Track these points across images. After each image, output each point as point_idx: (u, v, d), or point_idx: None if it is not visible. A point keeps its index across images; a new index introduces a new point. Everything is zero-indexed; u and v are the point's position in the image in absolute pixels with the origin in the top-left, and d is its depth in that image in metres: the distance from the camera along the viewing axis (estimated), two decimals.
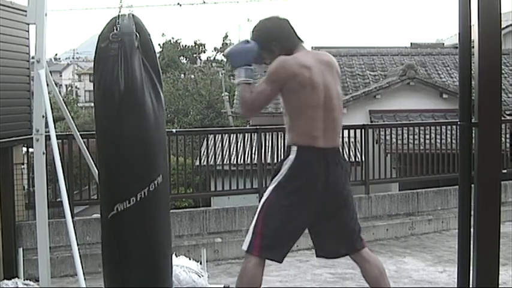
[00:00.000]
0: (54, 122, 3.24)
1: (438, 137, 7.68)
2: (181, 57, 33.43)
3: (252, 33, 2.91)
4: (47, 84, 3.13)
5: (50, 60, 44.97)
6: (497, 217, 2.57)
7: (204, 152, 6.68)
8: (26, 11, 3.19)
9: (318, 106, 2.71)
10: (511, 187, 7.39)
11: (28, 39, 5.32)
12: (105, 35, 2.83)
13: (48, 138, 3.17)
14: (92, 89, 3.00)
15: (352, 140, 6.99)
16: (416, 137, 7.40)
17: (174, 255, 3.47)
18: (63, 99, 3.80)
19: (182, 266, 3.75)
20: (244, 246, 2.75)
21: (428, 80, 12.00)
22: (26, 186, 6.07)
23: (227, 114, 18.38)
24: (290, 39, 2.85)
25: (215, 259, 5.66)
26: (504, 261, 3.56)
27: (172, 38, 33.55)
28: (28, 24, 4.22)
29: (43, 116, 3.14)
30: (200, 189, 6.96)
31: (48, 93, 3.18)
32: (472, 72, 2.65)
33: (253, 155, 6.45)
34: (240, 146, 6.56)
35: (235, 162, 6.59)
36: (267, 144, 6.45)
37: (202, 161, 6.86)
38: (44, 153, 3.17)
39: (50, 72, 3.30)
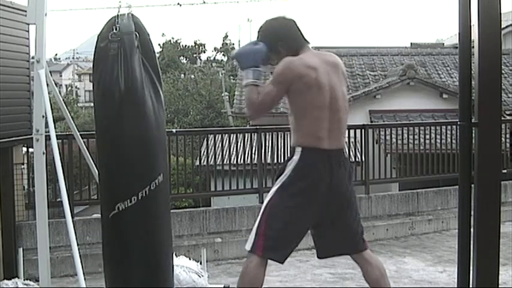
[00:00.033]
0: (54, 122, 3.25)
1: (438, 137, 7.68)
2: (181, 57, 33.42)
3: (258, 33, 2.91)
4: (47, 84, 3.14)
5: (50, 60, 44.97)
6: (497, 217, 2.57)
7: (204, 152, 6.68)
8: (26, 11, 3.19)
9: (323, 107, 2.71)
10: (511, 187, 7.39)
11: (28, 39, 5.31)
12: (105, 34, 2.84)
13: (48, 138, 3.17)
14: (92, 89, 3.00)
15: (352, 140, 6.99)
16: (416, 137, 7.40)
17: (174, 255, 3.47)
18: (63, 99, 3.80)
19: (182, 266, 3.75)
20: (248, 246, 2.75)
21: (428, 80, 12.00)
22: (26, 186, 6.07)
23: (227, 114, 18.37)
24: (296, 40, 2.85)
25: (215, 259, 5.65)
26: (504, 261, 3.56)
27: (172, 38, 33.53)
28: (28, 24, 4.22)
29: (43, 116, 3.14)
30: (200, 189, 6.96)
31: (48, 93, 3.18)
32: (472, 72, 2.65)
33: (253, 155, 6.45)
34: (240, 146, 6.56)
35: (235, 162, 6.59)
36: (267, 144, 6.45)
37: (202, 161, 6.86)
38: (44, 153, 3.18)
39: (50, 72, 3.30)
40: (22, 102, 5.36)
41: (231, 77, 25.73)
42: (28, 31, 5.25)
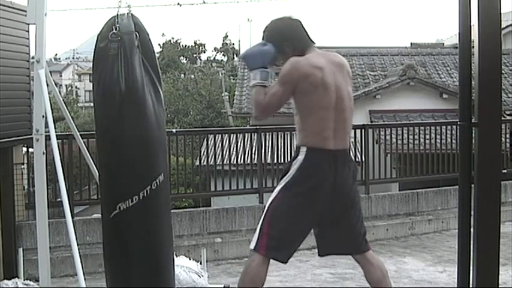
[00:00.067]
0: (54, 122, 3.25)
1: (438, 137, 7.68)
2: (181, 57, 33.43)
3: (263, 33, 2.90)
4: (47, 84, 3.13)
5: (50, 60, 44.98)
6: (497, 217, 2.57)
7: (204, 152, 6.68)
8: (26, 11, 3.18)
9: (329, 107, 2.71)
10: (511, 187, 7.39)
11: (28, 39, 5.31)
12: (104, 34, 2.83)
13: (48, 138, 3.16)
14: (92, 89, 3.00)
15: (352, 140, 6.98)
16: (416, 137, 7.40)
17: (174, 255, 3.47)
18: (63, 99, 3.80)
19: (182, 266, 3.75)
20: (252, 245, 2.75)
21: (428, 80, 12.01)
22: (26, 186, 6.07)
23: (227, 114, 18.37)
24: (302, 40, 2.85)
25: (215, 259, 5.65)
26: (504, 261, 3.56)
27: (172, 38, 33.55)
28: (28, 24, 4.22)
29: (43, 116, 3.14)
30: (200, 189, 6.95)
31: (48, 93, 3.18)
32: (472, 72, 2.65)
33: (253, 155, 6.45)
34: (240, 146, 6.56)
35: (235, 162, 6.59)
36: (267, 144, 6.45)
37: (202, 161, 6.86)
38: (44, 153, 3.17)
39: (50, 72, 3.30)
40: (22, 102, 5.36)
41: (231, 77, 25.72)
42: (28, 31, 5.25)
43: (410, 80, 11.37)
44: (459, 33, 2.70)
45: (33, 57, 3.43)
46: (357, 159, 7.08)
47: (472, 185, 2.63)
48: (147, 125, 2.85)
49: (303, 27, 2.88)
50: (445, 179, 7.28)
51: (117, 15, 2.86)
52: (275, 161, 6.49)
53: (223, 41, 33.69)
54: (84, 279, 2.95)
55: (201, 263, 4.05)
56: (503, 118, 8.10)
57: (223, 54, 33.75)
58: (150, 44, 2.95)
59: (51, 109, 3.15)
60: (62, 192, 3.05)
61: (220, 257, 5.75)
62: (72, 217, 4.11)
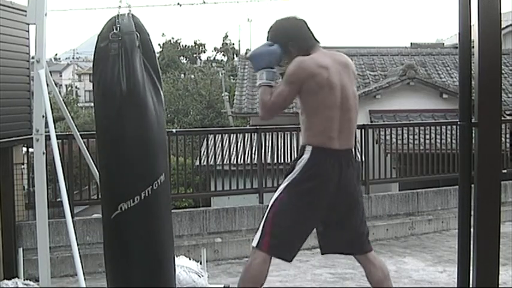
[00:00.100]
0: (54, 122, 3.24)
1: (438, 137, 7.68)
2: (181, 57, 33.43)
3: (268, 34, 2.90)
4: (47, 84, 3.13)
5: (50, 60, 44.97)
6: (497, 217, 2.57)
7: (204, 152, 6.68)
8: (26, 11, 3.18)
9: (334, 106, 2.71)
10: (511, 187, 7.39)
11: (28, 39, 5.31)
12: (105, 34, 2.83)
13: (48, 138, 3.16)
14: (91, 89, 2.99)
15: None
16: (416, 137, 7.40)
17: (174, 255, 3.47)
18: (63, 99, 3.80)
19: (182, 266, 3.75)
20: (254, 243, 2.75)
21: (428, 80, 12.00)
22: (26, 186, 6.07)
23: (227, 114, 18.37)
24: (307, 40, 2.85)
25: (215, 259, 5.65)
26: (504, 261, 3.56)
27: (172, 38, 33.55)
28: (28, 24, 4.22)
29: (43, 116, 3.14)
30: (200, 189, 6.95)
31: (48, 93, 3.18)
32: (472, 72, 2.65)
33: (253, 155, 6.45)
34: (240, 146, 6.56)
35: (235, 162, 6.59)
36: (267, 144, 6.45)
37: (202, 161, 6.85)
38: (44, 153, 3.17)
39: (50, 72, 3.30)
40: (22, 102, 5.36)
41: (231, 77, 25.72)
42: (28, 31, 5.25)
43: (410, 80, 11.37)
44: (459, 33, 2.70)
45: (33, 57, 3.43)
46: (357, 159, 7.09)
47: (472, 185, 2.63)
48: (148, 125, 2.85)
49: (307, 26, 2.88)
50: (445, 179, 7.27)
51: (118, 15, 2.85)
52: (275, 161, 6.49)
53: (223, 41, 33.70)
54: (84, 279, 2.95)
55: (201, 263, 4.05)
56: (503, 118, 8.10)
57: (223, 54, 33.76)
58: (150, 44, 2.95)
59: (51, 109, 3.15)
60: (62, 192, 3.05)
61: (220, 257, 5.75)
62: (72, 217, 4.11)
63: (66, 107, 3.59)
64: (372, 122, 10.71)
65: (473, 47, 2.62)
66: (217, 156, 8.28)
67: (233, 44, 33.05)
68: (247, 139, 6.45)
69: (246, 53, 16.73)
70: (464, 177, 2.68)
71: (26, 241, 5.35)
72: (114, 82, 2.77)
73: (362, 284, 4.45)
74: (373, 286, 2.86)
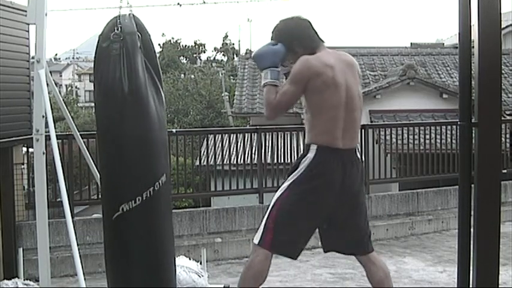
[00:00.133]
0: (54, 122, 3.24)
1: (438, 137, 7.67)
2: (181, 57, 33.44)
3: (272, 33, 2.90)
4: (47, 84, 3.13)
5: (50, 60, 44.97)
6: (497, 217, 2.57)
7: (204, 152, 6.68)
8: (26, 11, 3.18)
9: (339, 106, 2.71)
10: (511, 187, 7.39)
11: (28, 39, 5.31)
12: (106, 34, 2.82)
13: (48, 138, 3.16)
14: (92, 89, 2.99)
15: None
16: (416, 137, 7.40)
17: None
18: (63, 99, 3.80)
19: (182, 266, 3.75)
20: (255, 240, 2.75)
21: (428, 80, 12.00)
22: (26, 186, 6.07)
23: (227, 114, 18.37)
24: (312, 40, 2.85)
25: (215, 259, 5.65)
26: (504, 261, 3.56)
27: (172, 38, 33.59)
28: (28, 24, 4.21)
29: (43, 116, 3.14)
30: (200, 189, 6.95)
31: (48, 93, 3.18)
32: (472, 72, 2.65)
33: (253, 155, 6.45)
34: (240, 146, 6.56)
35: (235, 162, 6.58)
36: (267, 144, 6.45)
37: (202, 161, 6.85)
38: (44, 153, 3.17)
39: (50, 72, 3.30)
40: (22, 102, 5.36)
41: (231, 77, 25.72)
42: (28, 31, 5.25)
43: (410, 80, 11.37)
44: (459, 33, 2.70)
45: (33, 57, 3.43)
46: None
47: (472, 185, 2.63)
48: (150, 125, 2.85)
49: (312, 26, 2.88)
50: (445, 179, 7.27)
51: (119, 15, 2.85)
52: (275, 161, 6.49)
53: (223, 41, 33.73)
54: (84, 279, 2.95)
55: (201, 263, 4.05)
56: (503, 118, 8.10)
57: (223, 54, 33.77)
58: (151, 44, 2.94)
59: (51, 109, 3.14)
60: (62, 192, 3.05)
61: (220, 257, 5.74)
62: (72, 217, 4.11)
63: (66, 107, 3.59)
64: (372, 122, 10.70)
65: (473, 47, 2.62)
66: (217, 156, 8.28)
67: (233, 44, 33.08)
68: (247, 139, 6.45)
69: (246, 53, 16.71)
70: (464, 177, 2.68)
71: (26, 241, 5.35)
72: (115, 82, 2.76)
73: (362, 284, 4.45)
74: (374, 286, 2.86)
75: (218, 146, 8.57)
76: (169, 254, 3.04)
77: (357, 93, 2.81)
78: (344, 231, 2.85)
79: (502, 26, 3.65)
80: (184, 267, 3.77)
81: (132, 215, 2.81)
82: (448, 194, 7.06)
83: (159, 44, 31.66)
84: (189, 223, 5.96)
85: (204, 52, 34.66)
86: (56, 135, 3.24)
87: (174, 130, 7.00)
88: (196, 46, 34.19)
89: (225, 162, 9.26)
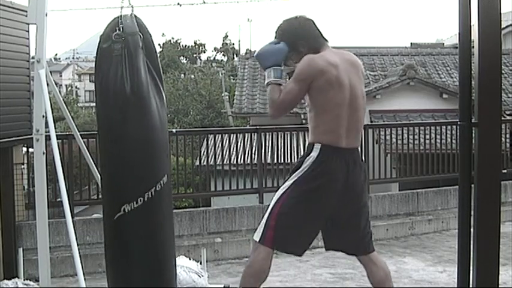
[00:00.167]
0: (54, 122, 3.24)
1: (438, 137, 7.67)
2: (181, 57, 33.44)
3: (276, 33, 2.89)
4: (47, 84, 3.13)
5: (50, 60, 44.96)
6: (497, 217, 2.57)
7: (204, 152, 6.68)
8: (26, 11, 3.19)
9: (343, 105, 2.71)
10: (511, 187, 7.39)
11: (28, 39, 5.32)
12: (108, 35, 2.80)
13: (48, 138, 3.16)
14: (92, 89, 3.00)
15: None
16: (416, 137, 7.40)
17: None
18: (63, 99, 3.80)
19: (182, 266, 3.75)
20: (256, 237, 2.74)
21: (428, 80, 12.00)
22: (26, 186, 6.07)
23: (227, 114, 18.37)
24: (316, 39, 2.85)
25: (215, 259, 5.66)
26: (504, 261, 3.56)
27: (172, 38, 33.58)
28: (28, 24, 4.21)
29: (43, 116, 3.13)
30: (200, 189, 6.95)
31: (48, 93, 3.17)
32: (472, 72, 2.65)
33: (253, 155, 6.45)
34: (240, 146, 6.56)
35: (235, 162, 6.59)
36: (267, 144, 6.45)
37: (202, 161, 6.86)
38: (44, 153, 3.17)
39: (50, 72, 3.30)
40: (22, 102, 5.36)
41: (231, 77, 25.72)
42: (28, 31, 5.26)
43: (410, 80, 11.37)
44: (459, 33, 2.70)
45: (33, 57, 3.43)
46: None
47: (472, 185, 2.63)
48: (152, 126, 2.84)
49: (316, 26, 2.88)
50: (445, 179, 7.27)
51: (121, 15, 2.84)
52: (275, 161, 6.49)
53: (223, 41, 33.72)
54: (84, 279, 2.95)
55: (201, 263, 4.05)
56: (503, 118, 8.09)
57: (223, 54, 33.77)
58: (153, 45, 2.94)
59: (51, 109, 3.14)
60: (62, 192, 3.05)
61: (220, 257, 5.75)
62: (72, 217, 4.11)
63: (66, 107, 3.59)
64: (372, 122, 10.70)
65: (473, 47, 2.62)
66: (217, 156, 8.28)
67: (233, 44, 33.07)
68: (247, 139, 6.45)
69: (246, 53, 16.70)
70: (464, 177, 2.67)
71: (26, 241, 5.35)
72: (117, 83, 2.75)
73: (362, 284, 4.45)
74: (374, 286, 2.86)
75: (218, 146, 8.57)
76: (169, 255, 3.04)
77: (361, 93, 2.81)
78: (346, 231, 2.85)
79: (502, 26, 3.65)
80: (184, 267, 3.77)
81: (134, 216, 2.80)
82: (448, 194, 7.06)
83: (159, 44, 31.64)
84: (189, 223, 5.96)
85: (204, 52, 34.67)
86: (56, 135, 3.24)
87: (174, 130, 7.00)
88: (196, 46, 34.19)
89: (225, 162, 9.26)
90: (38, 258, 3.20)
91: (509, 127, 7.85)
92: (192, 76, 25.57)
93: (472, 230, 2.62)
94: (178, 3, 17.44)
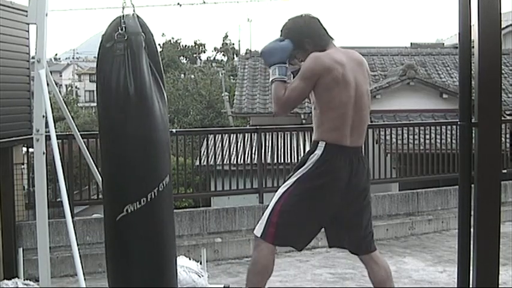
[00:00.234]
0: (54, 122, 3.24)
1: (438, 137, 7.68)
2: (181, 57, 33.45)
3: (281, 32, 2.89)
4: (47, 84, 3.13)
5: (50, 60, 44.96)
6: (497, 217, 2.57)
7: (204, 152, 6.68)
8: (26, 11, 3.19)
9: (349, 103, 2.71)
10: (511, 187, 7.39)
11: (28, 39, 5.32)
12: (110, 34, 2.78)
13: (48, 138, 3.16)
14: (92, 89, 3.00)
15: None
16: (416, 137, 7.40)
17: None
18: (63, 99, 3.80)
19: (182, 266, 3.75)
20: (258, 233, 2.74)
21: (428, 80, 12.01)
22: (26, 186, 6.07)
23: (227, 114, 18.38)
24: (322, 37, 2.85)
25: (215, 259, 5.65)
26: (504, 261, 3.56)
27: (172, 38, 33.62)
28: (28, 24, 4.21)
29: (43, 116, 3.13)
30: (200, 189, 6.96)
31: (49, 93, 3.17)
32: (472, 72, 2.65)
33: (253, 155, 6.45)
34: (240, 146, 6.56)
35: (235, 162, 6.59)
36: (267, 144, 6.45)
37: (202, 161, 6.86)
38: (44, 153, 3.17)
39: (50, 72, 3.29)
40: (22, 102, 5.36)
41: (231, 77, 25.73)
42: (28, 31, 5.26)
43: (410, 80, 11.38)
44: (459, 33, 2.70)
45: (33, 57, 3.43)
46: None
47: (472, 185, 2.63)
48: (155, 125, 2.83)
49: (321, 24, 2.88)
50: (445, 179, 7.27)
51: (123, 15, 2.83)
52: (275, 161, 6.49)
53: (223, 41, 33.75)
54: (84, 279, 2.94)
55: (201, 263, 4.05)
56: (503, 118, 8.10)
57: (223, 54, 33.79)
58: (155, 45, 2.93)
59: (51, 109, 3.14)
60: (62, 192, 3.05)
61: (220, 257, 5.75)
62: (72, 217, 4.11)
63: (66, 107, 3.59)
64: (372, 122, 10.69)
65: (473, 47, 2.61)
66: (217, 156, 8.28)
67: (233, 44, 33.10)
68: (247, 139, 6.45)
69: (246, 53, 16.70)
70: (464, 177, 2.67)
71: (26, 241, 5.35)
72: (120, 83, 2.74)
73: (362, 284, 4.45)
74: (376, 286, 2.86)
75: (218, 146, 8.57)
76: (170, 255, 3.03)
77: (366, 92, 2.82)
78: (348, 229, 2.85)
79: (502, 26, 3.65)
80: (184, 267, 3.78)
81: (136, 216, 2.79)
82: (448, 194, 7.06)
83: (159, 44, 31.60)
84: (189, 223, 5.96)
85: (204, 52, 34.70)
86: (56, 135, 3.24)
87: (174, 130, 7.00)
88: (196, 46, 34.21)
89: (225, 162, 9.27)
90: (38, 258, 3.20)
91: (509, 127, 7.85)
92: (192, 76, 25.59)
93: (472, 230, 2.62)
94: (178, 3, 17.47)
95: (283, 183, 2.83)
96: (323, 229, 2.91)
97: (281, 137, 6.62)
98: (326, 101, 2.72)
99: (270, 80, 2.83)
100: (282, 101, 2.75)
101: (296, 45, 2.82)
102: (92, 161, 3.60)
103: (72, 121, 3.50)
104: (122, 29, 2.76)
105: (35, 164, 3.17)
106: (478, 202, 2.57)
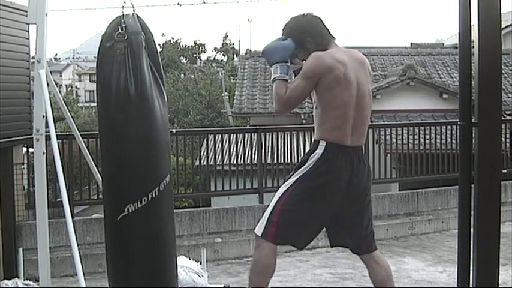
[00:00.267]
0: (54, 122, 3.24)
1: (438, 137, 7.68)
2: (181, 57, 33.45)
3: (283, 31, 2.89)
4: (47, 84, 3.13)
5: (50, 60, 44.95)
6: (497, 217, 2.57)
7: (204, 152, 6.68)
8: (26, 11, 3.18)
9: (350, 103, 2.71)
10: (511, 187, 7.39)
11: (28, 39, 5.32)
12: (110, 34, 2.78)
13: (48, 138, 3.16)
14: (92, 89, 3.00)
15: None
16: (416, 137, 7.40)
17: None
18: (63, 99, 3.80)
19: (182, 266, 3.75)
20: (259, 232, 2.74)
21: (428, 80, 12.01)
22: (26, 186, 6.07)
23: (227, 114, 18.38)
24: (324, 36, 2.85)
25: (215, 259, 5.66)
26: (504, 261, 3.56)
27: (172, 38, 33.61)
28: (28, 24, 4.21)
29: (43, 116, 3.13)
30: (200, 189, 6.96)
31: (49, 93, 3.17)
32: (472, 72, 2.65)
33: (253, 155, 6.45)
34: (240, 146, 6.56)
35: (235, 162, 6.59)
36: (267, 144, 6.45)
37: (202, 161, 6.86)
38: (44, 153, 3.17)
39: (50, 72, 3.29)
40: (22, 102, 5.36)
41: (231, 77, 25.74)
42: (28, 31, 5.26)
43: (410, 80, 11.38)
44: (459, 33, 2.70)
45: (33, 57, 3.43)
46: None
47: (472, 185, 2.63)
48: (155, 125, 2.83)
49: (323, 23, 2.88)
50: (445, 179, 7.27)
51: (123, 15, 2.83)
52: (275, 161, 6.49)
53: (223, 41, 33.75)
54: (84, 279, 2.94)
55: (201, 263, 4.05)
56: (503, 118, 8.10)
57: (223, 54, 33.79)
58: (155, 45, 2.93)
59: (51, 109, 3.14)
60: (62, 192, 3.05)
61: (220, 257, 5.75)
62: (72, 217, 4.11)
63: (66, 107, 3.59)
64: (372, 122, 10.68)
65: (473, 47, 2.61)
66: (217, 156, 8.28)
67: (233, 44, 33.09)
68: (247, 139, 6.45)
69: (246, 53, 16.70)
70: (464, 177, 2.67)
71: (26, 241, 5.35)
72: (120, 83, 2.73)
73: (362, 284, 4.45)
74: (376, 285, 2.86)
75: (218, 146, 8.57)
76: (170, 254, 3.03)
77: (368, 91, 2.82)
78: (349, 229, 2.85)
79: (502, 26, 3.65)
80: (184, 267, 3.78)
81: (137, 216, 2.79)
82: (448, 194, 7.06)
83: (159, 44, 31.61)
84: (189, 223, 5.96)
85: (204, 52, 34.70)
86: (56, 135, 3.24)
87: (174, 130, 7.00)
88: (196, 46, 34.21)
89: (225, 162, 9.27)
90: (38, 258, 3.20)
91: (509, 127, 7.85)
92: (192, 76, 25.59)
93: (472, 230, 2.62)
94: (178, 3, 17.48)
95: (284, 182, 2.83)
96: (323, 229, 2.91)
97: (281, 137, 6.62)
98: (327, 100, 2.72)
99: (272, 78, 2.83)
100: (283, 99, 2.75)
101: (298, 45, 2.82)
102: (92, 161, 3.60)
103: (72, 121, 3.50)
104: (122, 29, 2.75)
105: (35, 164, 3.17)
106: (478, 202, 2.57)
